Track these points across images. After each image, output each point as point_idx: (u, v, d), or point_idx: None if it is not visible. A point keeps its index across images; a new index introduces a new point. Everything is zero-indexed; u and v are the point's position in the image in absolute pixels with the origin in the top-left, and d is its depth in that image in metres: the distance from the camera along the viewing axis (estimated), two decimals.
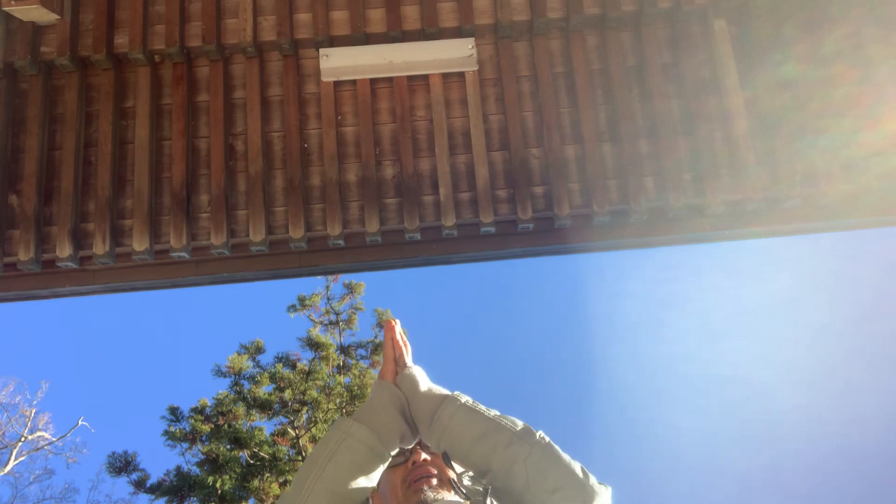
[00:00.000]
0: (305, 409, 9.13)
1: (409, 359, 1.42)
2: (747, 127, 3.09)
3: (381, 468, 1.28)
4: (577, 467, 1.16)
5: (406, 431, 1.32)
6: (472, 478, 1.34)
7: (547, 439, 1.20)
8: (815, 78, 3.15)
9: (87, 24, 3.21)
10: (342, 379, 9.56)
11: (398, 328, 1.45)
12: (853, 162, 3.04)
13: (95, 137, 3.18)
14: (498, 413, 1.28)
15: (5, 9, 3.04)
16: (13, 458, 18.27)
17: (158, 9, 3.24)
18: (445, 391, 1.34)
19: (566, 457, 1.18)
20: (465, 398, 1.30)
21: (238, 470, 8.40)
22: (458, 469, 1.33)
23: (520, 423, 1.24)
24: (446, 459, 1.26)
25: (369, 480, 1.24)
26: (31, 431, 19.04)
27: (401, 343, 1.43)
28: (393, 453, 1.30)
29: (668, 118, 3.13)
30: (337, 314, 10.30)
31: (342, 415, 9.12)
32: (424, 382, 1.36)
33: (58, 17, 3.14)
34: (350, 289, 10.52)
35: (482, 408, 1.28)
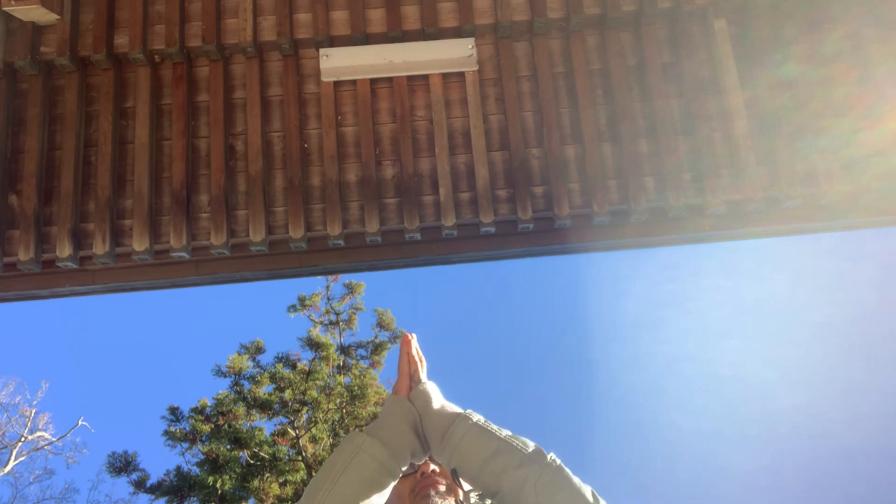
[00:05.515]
0: (305, 409, 9.13)
1: (423, 374, 1.42)
2: (747, 127, 3.09)
3: (392, 484, 1.28)
4: (587, 491, 1.14)
5: (418, 448, 1.32)
6: (479, 496, 1.33)
7: (558, 462, 1.20)
8: (815, 78, 3.16)
9: (87, 24, 3.21)
10: (342, 379, 9.56)
11: (415, 343, 1.44)
12: (853, 162, 3.04)
13: (95, 137, 3.18)
14: (510, 433, 1.27)
15: (5, 9, 3.04)
16: (13, 458, 18.28)
17: (158, 9, 3.24)
18: (458, 409, 1.34)
19: (577, 480, 1.16)
20: (477, 417, 1.31)
21: (238, 470, 8.41)
22: (466, 487, 1.33)
23: (531, 445, 1.24)
24: (455, 477, 1.26)
25: (381, 497, 1.24)
26: (31, 431, 19.05)
27: (416, 358, 1.43)
28: (403, 469, 1.31)
29: (668, 118, 3.13)
30: (337, 314, 10.32)
31: (342, 415, 9.16)
32: (437, 399, 1.36)
33: (58, 17, 3.14)
34: (350, 289, 10.54)
35: (494, 427, 1.28)
